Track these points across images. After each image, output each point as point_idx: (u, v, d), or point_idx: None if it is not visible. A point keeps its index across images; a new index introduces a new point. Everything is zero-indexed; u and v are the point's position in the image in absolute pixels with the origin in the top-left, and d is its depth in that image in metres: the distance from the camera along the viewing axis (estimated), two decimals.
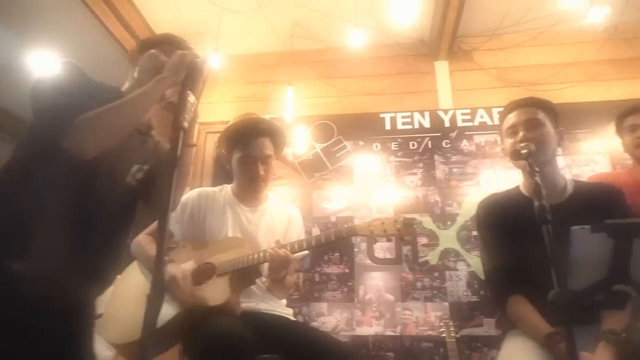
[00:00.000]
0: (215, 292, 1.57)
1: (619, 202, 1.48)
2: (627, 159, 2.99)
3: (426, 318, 2.77)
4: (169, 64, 1.22)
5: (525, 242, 1.25)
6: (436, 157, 3.17)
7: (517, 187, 1.64)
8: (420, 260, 2.91)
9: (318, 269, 2.96)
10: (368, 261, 2.95)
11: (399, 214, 2.96)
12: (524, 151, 1.26)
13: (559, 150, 3.07)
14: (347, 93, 3.48)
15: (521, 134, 1.51)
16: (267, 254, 1.63)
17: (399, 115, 3.31)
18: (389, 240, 2.73)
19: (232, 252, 1.68)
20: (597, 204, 1.42)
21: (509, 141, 1.57)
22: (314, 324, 2.81)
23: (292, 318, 1.87)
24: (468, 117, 3.25)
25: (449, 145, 3.19)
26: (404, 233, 1.52)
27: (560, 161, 3.08)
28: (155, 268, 0.93)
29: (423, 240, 2.96)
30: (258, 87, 3.62)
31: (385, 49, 3.57)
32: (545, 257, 1.02)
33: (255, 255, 1.65)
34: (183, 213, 1.84)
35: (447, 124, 3.26)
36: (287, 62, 3.45)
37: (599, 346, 1.22)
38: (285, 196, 3.14)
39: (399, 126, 3.29)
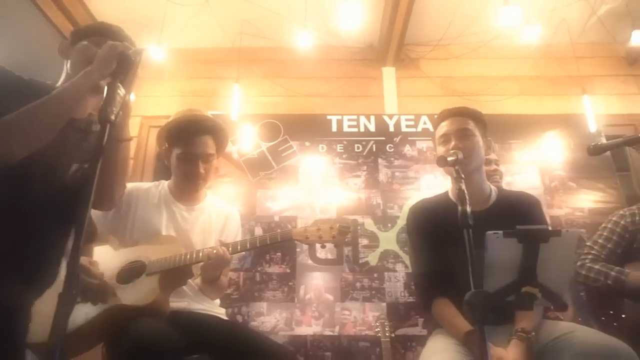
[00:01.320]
0: (143, 292, 1.52)
1: (536, 210, 1.58)
2: (555, 169, 3.21)
3: (364, 318, 2.82)
4: (98, 56, 1.17)
5: (450, 246, 1.30)
6: (380, 160, 3.24)
7: (446, 192, 1.71)
8: (360, 261, 2.96)
9: (259, 269, 2.94)
10: (310, 261, 2.96)
11: (341, 216, 3.06)
12: (450, 158, 1.31)
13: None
14: (294, 93, 3.49)
15: (452, 142, 1.57)
16: (203, 253, 1.60)
17: (345, 117, 3.36)
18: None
19: (164, 250, 1.64)
20: (516, 211, 1.51)
21: (441, 148, 1.63)
22: (253, 324, 2.79)
23: (225, 317, 1.85)
24: (412, 123, 3.35)
25: (392, 150, 3.26)
26: (339, 240, 1.54)
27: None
28: (69, 264, 0.89)
29: (364, 241, 3.02)
30: (204, 83, 3.55)
31: (335, 52, 3.61)
32: (467, 260, 1.08)
33: (189, 255, 1.61)
34: None
35: (391, 129, 3.34)
36: (235, 59, 3.41)
37: (510, 343, 1.29)
38: (229, 194, 3.10)
39: (345, 129, 3.33)
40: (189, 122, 1.84)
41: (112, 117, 1.04)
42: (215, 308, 1.82)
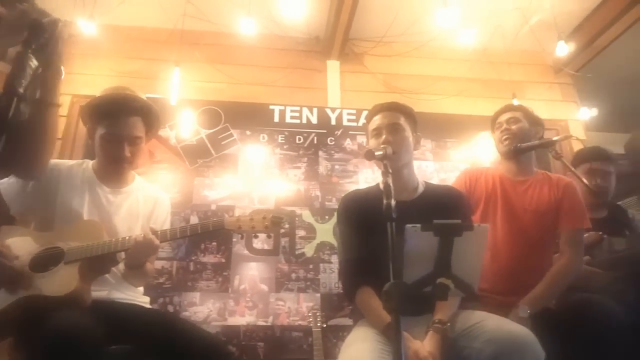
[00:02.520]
0: (61, 281, 1.43)
1: (460, 203, 1.66)
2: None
3: (298, 308, 2.84)
4: (4, 21, 1.08)
5: (375, 236, 1.33)
6: (320, 153, 3.26)
7: (378, 184, 1.76)
8: (297, 252, 2.98)
9: (194, 258, 2.88)
10: (246, 251, 2.94)
11: (279, 207, 3.06)
12: (378, 152, 1.34)
13: (430, 156, 3.45)
14: (237, 81, 3.42)
15: (384, 136, 1.61)
16: (129, 240, 1.53)
17: (288, 108, 3.35)
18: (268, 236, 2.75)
19: (85, 236, 1.55)
20: (440, 204, 1.58)
21: (372, 141, 1.67)
22: (185, 314, 2.73)
23: (149, 306, 1.79)
24: (353, 117, 3.40)
25: (333, 143, 3.30)
26: (272, 230, 1.54)
27: (430, 166, 3.38)
28: None
29: (301, 232, 3.03)
30: (143, 64, 3.39)
31: (280, 41, 3.57)
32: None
33: (114, 243, 1.54)
34: (26, 184, 1.62)
35: (333, 122, 3.37)
36: (177, 41, 3.29)
37: (427, 335, 1.36)
38: (165, 181, 3.00)
39: (287, 119, 3.32)
40: (117, 101, 1.74)
41: (21, 90, 0.97)
42: (138, 296, 1.75)
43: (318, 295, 2.88)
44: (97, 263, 1.54)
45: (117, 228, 1.68)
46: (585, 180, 1.89)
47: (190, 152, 3.14)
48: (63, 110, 3.09)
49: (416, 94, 3.53)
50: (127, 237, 1.55)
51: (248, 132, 3.24)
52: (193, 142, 3.17)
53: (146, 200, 1.82)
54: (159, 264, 2.78)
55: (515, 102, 3.48)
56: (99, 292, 1.59)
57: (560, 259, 1.82)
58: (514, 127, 1.98)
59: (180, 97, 3.18)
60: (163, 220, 1.83)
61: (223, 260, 2.89)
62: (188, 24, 3.30)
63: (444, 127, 3.47)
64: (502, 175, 1.98)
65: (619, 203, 2.63)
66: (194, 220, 2.95)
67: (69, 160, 1.86)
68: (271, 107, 3.33)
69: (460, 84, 3.66)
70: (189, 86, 3.31)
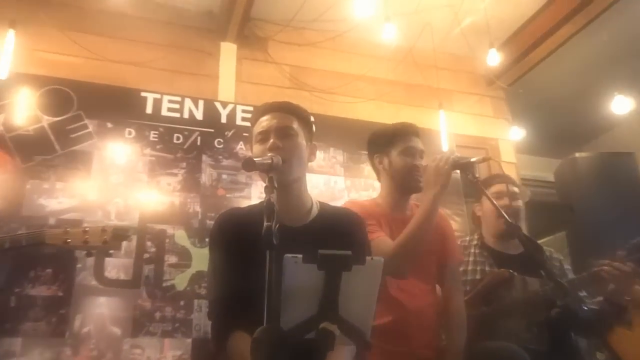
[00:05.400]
0: None
1: (356, 230, 1.69)
2: None
3: (161, 359, 2.72)
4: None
5: (256, 268, 1.29)
6: (204, 157, 3.19)
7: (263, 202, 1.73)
8: (164, 284, 2.85)
9: (17, 290, 2.62)
10: (94, 282, 2.75)
11: (145, 223, 2.93)
12: (262, 161, 1.32)
13: (341, 171, 3.52)
14: (99, 56, 3.25)
15: (271, 141, 1.59)
16: None
17: (165, 98, 3.25)
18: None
19: None
20: (336, 231, 1.59)
21: (257, 148, 1.65)
22: None
23: None
24: (249, 115, 3.36)
25: (222, 146, 3.25)
26: (112, 246, 1.47)
27: (340, 183, 3.45)
28: None
29: (172, 258, 2.91)
30: None
31: (161, 11, 3.48)
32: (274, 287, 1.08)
33: None
34: None
35: (223, 120, 3.32)
36: None
37: None
38: None
39: (164, 112, 3.22)
40: None
41: None
42: None
43: (189, 340, 2.78)
44: None
45: None
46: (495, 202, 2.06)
47: (24, 146, 2.89)
48: None
49: (328, 94, 3.61)
50: None
51: (109, 125, 3.08)
52: (29, 131, 2.93)
53: None
54: None
55: (442, 113, 3.71)
56: None
57: (451, 300, 2.10)
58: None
59: (15, 69, 2.96)
60: None
61: (60, 294, 2.67)
62: None
63: (359, 137, 3.51)
64: (386, 215, 2.15)
65: (542, 241, 2.90)
66: None
67: None
68: (143, 94, 3.21)
69: (381, 87, 3.82)
70: (28, 57, 3.08)
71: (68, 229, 1.50)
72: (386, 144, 2.23)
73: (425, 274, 2.11)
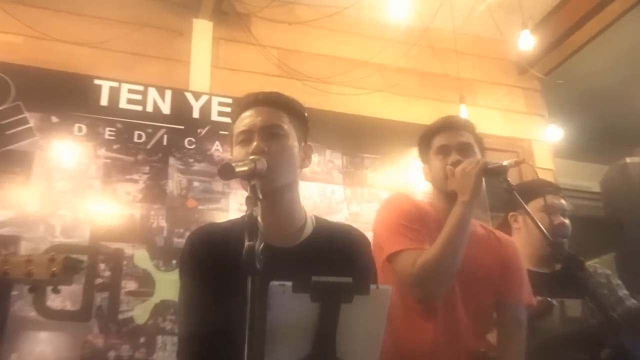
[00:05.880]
0: None
1: (362, 252, 1.68)
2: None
3: None
4: None
5: (237, 298, 1.29)
6: (172, 161, 3.20)
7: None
8: (120, 316, 2.85)
9: None
10: (33, 313, 2.76)
11: (97, 241, 2.92)
12: (242, 167, 1.31)
13: (339, 178, 3.52)
14: (42, 34, 3.26)
15: (255, 143, 1.58)
16: None
17: (125, 86, 3.27)
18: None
19: None
20: (336, 252, 1.57)
21: (238, 151, 1.64)
22: None
23: None
24: (228, 109, 3.37)
25: (193, 147, 3.26)
26: (62, 280, 1.47)
27: (339, 192, 3.45)
28: None
29: (130, 285, 2.92)
30: None
31: None
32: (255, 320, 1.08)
33: None
34: None
35: (196, 115, 3.34)
36: None
37: None
38: None
39: (123, 104, 3.23)
40: None
41: None
42: None
43: None
44: None
45: None
46: (539, 222, 2.03)
47: None
48: None
49: (324, 84, 3.61)
50: None
51: (55, 119, 3.09)
52: None
53: None
54: None
55: (463, 108, 3.72)
56: None
57: (510, 342, 2.01)
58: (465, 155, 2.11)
59: None
60: None
61: None
62: None
63: (361, 136, 3.57)
64: (437, 213, 2.09)
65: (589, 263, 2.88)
66: None
67: None
68: (97, 81, 3.23)
69: (389, 75, 3.83)
70: None
71: (7, 256, 1.49)
72: (425, 147, 2.22)
73: (476, 308, 2.04)
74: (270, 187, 1.53)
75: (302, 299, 1.06)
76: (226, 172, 1.29)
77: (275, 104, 1.70)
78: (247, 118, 1.66)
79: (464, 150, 2.08)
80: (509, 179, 2.01)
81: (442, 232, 1.93)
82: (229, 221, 1.76)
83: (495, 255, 2.11)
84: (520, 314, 2.07)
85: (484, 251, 2.08)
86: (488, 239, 2.15)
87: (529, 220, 2.20)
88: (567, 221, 2.47)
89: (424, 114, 3.78)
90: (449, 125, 2.18)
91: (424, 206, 2.15)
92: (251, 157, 1.43)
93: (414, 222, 2.00)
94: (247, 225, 1.20)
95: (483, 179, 1.97)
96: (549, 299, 2.22)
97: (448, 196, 2.07)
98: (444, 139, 2.14)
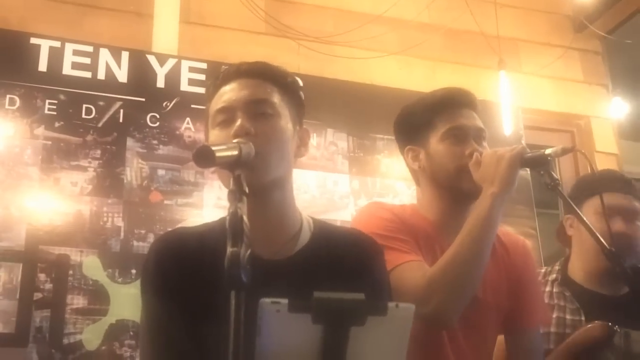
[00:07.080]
0: None
1: (373, 263, 1.69)
2: None
3: None
4: None
5: (216, 320, 1.32)
6: (131, 142, 3.22)
7: (224, 219, 1.73)
8: (66, 340, 2.88)
9: None
10: None
11: (35, 246, 2.94)
12: (223, 152, 1.31)
13: (344, 165, 3.53)
14: None
15: (238, 122, 1.58)
16: None
17: (69, 46, 3.28)
18: None
19: None
20: (341, 264, 1.59)
21: (216, 133, 1.64)
22: None
23: None
24: (202, 76, 3.39)
25: (157, 124, 3.28)
26: None
27: (343, 183, 3.47)
28: None
29: (78, 300, 2.94)
30: None
31: None
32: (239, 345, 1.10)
33: None
34: None
35: (160, 83, 3.36)
36: None
37: None
38: None
39: (67, 69, 3.25)
40: None
41: None
42: None
43: None
44: None
45: None
46: (593, 229, 2.00)
47: None
48: None
49: (326, 44, 3.61)
50: None
51: None
52: None
53: None
54: None
55: (503, 75, 3.73)
56: None
57: None
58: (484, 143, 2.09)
59: None
60: None
61: None
62: None
63: (373, 112, 3.58)
64: (429, 232, 2.08)
65: None
66: None
67: None
68: (35, 40, 3.24)
69: (408, 34, 3.83)
70: None
71: None
72: (422, 126, 2.19)
73: (481, 343, 2.06)
74: (259, 181, 1.51)
75: (301, 321, 1.06)
76: (204, 157, 1.26)
77: (263, 76, 1.69)
78: (228, 93, 1.65)
79: (480, 138, 2.06)
80: (553, 172, 1.98)
81: (462, 231, 1.89)
82: (204, 224, 1.74)
83: (504, 272, 2.10)
84: (534, 339, 2.13)
85: (489, 270, 2.01)
86: (494, 251, 2.07)
87: (582, 227, 2.16)
88: (634, 226, 2.43)
89: (453, 83, 3.77)
90: (467, 102, 2.13)
91: (406, 213, 2.11)
92: (235, 140, 1.44)
93: (399, 232, 1.97)
94: (230, 227, 1.20)
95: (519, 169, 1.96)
96: (609, 324, 2.20)
97: (457, 195, 2.05)
98: (458, 118, 2.07)
